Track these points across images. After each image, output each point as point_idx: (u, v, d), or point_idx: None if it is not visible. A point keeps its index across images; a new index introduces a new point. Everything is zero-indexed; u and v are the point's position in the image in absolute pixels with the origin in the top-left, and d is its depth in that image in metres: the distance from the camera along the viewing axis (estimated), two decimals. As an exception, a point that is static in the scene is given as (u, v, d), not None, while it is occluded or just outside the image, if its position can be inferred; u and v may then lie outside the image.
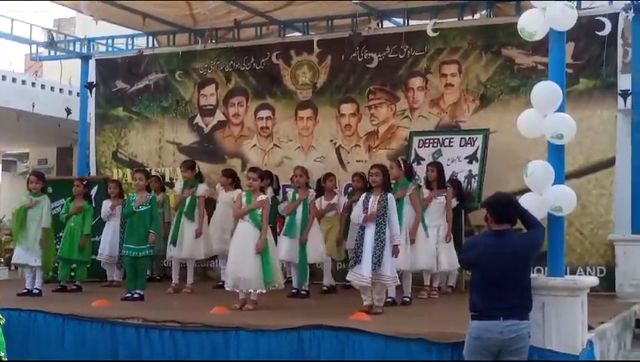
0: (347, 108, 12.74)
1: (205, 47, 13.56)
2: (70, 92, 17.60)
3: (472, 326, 6.10)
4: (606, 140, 10.98)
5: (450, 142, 11.61)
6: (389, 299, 9.19)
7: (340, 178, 11.57)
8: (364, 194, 8.95)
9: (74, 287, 10.83)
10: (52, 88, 17.92)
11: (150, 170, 12.82)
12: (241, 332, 7.75)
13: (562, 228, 6.84)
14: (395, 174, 9.36)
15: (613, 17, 10.86)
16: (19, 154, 24.98)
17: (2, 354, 5.14)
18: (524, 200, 6.54)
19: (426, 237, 9.83)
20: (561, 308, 6.48)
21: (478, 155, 11.32)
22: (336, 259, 10.83)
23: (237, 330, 7.77)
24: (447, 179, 10.72)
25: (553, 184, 6.62)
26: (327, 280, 10.81)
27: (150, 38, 14.31)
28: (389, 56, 12.41)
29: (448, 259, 10.21)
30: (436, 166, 10.63)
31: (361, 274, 8.52)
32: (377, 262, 8.47)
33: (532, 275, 6.38)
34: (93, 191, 11.87)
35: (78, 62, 14.83)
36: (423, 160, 11.49)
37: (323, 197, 10.66)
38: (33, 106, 16.52)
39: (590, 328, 7.01)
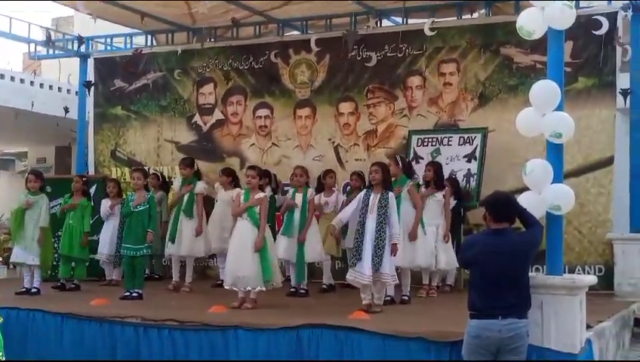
0: (346, 107, 12.74)
1: (203, 46, 13.55)
2: (69, 91, 17.59)
3: (470, 325, 6.10)
4: (604, 139, 10.99)
5: (448, 141, 11.62)
6: (388, 298, 9.19)
7: (339, 177, 11.56)
8: (363, 191, 8.94)
9: (72, 286, 10.82)
10: (50, 87, 17.91)
11: (148, 168, 12.82)
12: (239, 331, 7.74)
13: (561, 226, 6.84)
14: (392, 172, 9.34)
15: (612, 16, 10.86)
16: (17, 153, 25.01)
17: (0, 354, 5.14)
18: (522, 199, 6.54)
19: (424, 234, 9.82)
20: (559, 307, 6.48)
21: (477, 154, 11.32)
22: (335, 256, 10.82)
23: (236, 329, 7.76)
24: (446, 178, 10.70)
25: (552, 183, 6.63)
26: (327, 278, 10.81)
27: (149, 36, 14.30)
28: (388, 55, 12.41)
29: (446, 258, 10.21)
30: (433, 166, 10.62)
31: (361, 273, 8.51)
32: (378, 261, 8.47)
33: (531, 274, 6.38)
34: (92, 190, 11.84)
35: (76, 61, 14.83)
36: (422, 159, 11.49)
37: (322, 193, 10.64)
38: (32, 105, 16.49)
39: (589, 327, 7.01)
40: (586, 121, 10.77)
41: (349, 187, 11.18)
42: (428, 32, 11.85)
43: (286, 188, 11.57)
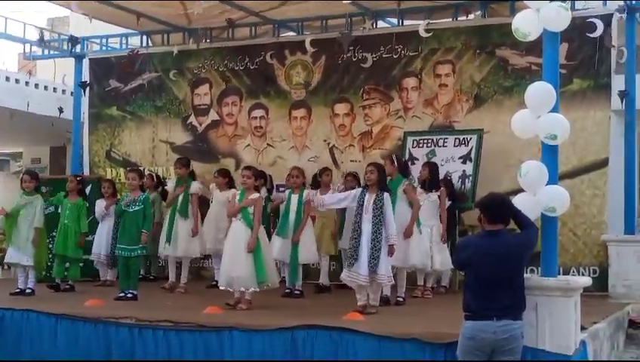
0: (341, 108, 12.74)
1: (199, 47, 13.54)
2: (64, 91, 17.55)
3: (465, 327, 6.10)
4: (599, 141, 11.01)
5: (444, 142, 11.63)
6: (385, 296, 9.18)
7: (334, 178, 11.56)
8: (359, 190, 8.95)
9: (67, 287, 10.80)
10: (46, 87, 17.86)
11: (143, 169, 12.80)
12: (234, 332, 7.73)
13: (556, 228, 6.84)
14: (388, 171, 9.34)
15: (607, 18, 10.88)
16: (12, 154, 24.93)
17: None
18: (517, 201, 6.55)
19: (420, 234, 9.82)
20: (554, 308, 6.49)
21: (472, 155, 11.33)
22: (334, 254, 10.82)
23: (230, 330, 7.76)
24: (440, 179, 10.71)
25: (547, 184, 6.63)
26: (324, 278, 10.82)
27: (144, 37, 14.29)
28: (383, 56, 12.42)
29: (441, 259, 10.21)
30: (428, 166, 10.63)
31: (358, 273, 8.51)
32: (375, 263, 8.47)
33: (525, 275, 6.38)
34: (87, 191, 11.82)
35: (71, 61, 14.80)
36: (417, 160, 11.50)
37: (319, 191, 10.63)
38: (28, 105, 16.46)
39: (583, 328, 7.02)
40: (581, 122, 10.78)
41: (342, 188, 11.15)
42: (423, 34, 11.86)
43: (281, 189, 11.57)
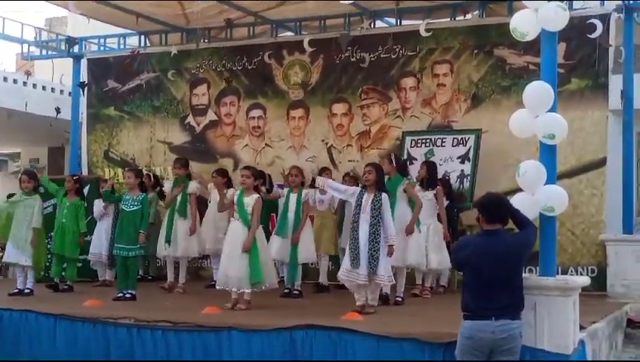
0: (339, 108, 12.75)
1: (199, 47, 13.52)
2: (62, 91, 17.56)
3: (464, 326, 6.11)
4: (597, 140, 11.01)
5: (442, 142, 11.64)
6: (384, 294, 9.18)
7: (332, 178, 11.55)
8: (358, 189, 8.94)
9: (65, 287, 10.79)
10: (44, 87, 17.88)
11: (141, 169, 12.78)
12: (233, 332, 7.74)
13: (554, 228, 6.85)
14: (386, 170, 9.33)
15: (605, 18, 10.89)
16: (10, 154, 24.94)
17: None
18: (516, 200, 6.55)
19: (419, 232, 9.82)
20: (552, 308, 6.49)
21: (471, 155, 11.35)
22: (333, 254, 10.82)
23: (229, 330, 7.76)
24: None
25: (545, 184, 6.64)
26: (323, 278, 10.82)
27: (142, 37, 14.28)
28: (382, 56, 12.42)
29: (438, 258, 10.20)
30: (426, 165, 10.63)
31: (357, 273, 8.51)
32: (375, 263, 8.47)
33: (524, 275, 6.39)
34: (85, 191, 11.82)
35: (69, 61, 14.80)
36: (416, 160, 11.51)
37: (318, 190, 10.62)
38: (26, 106, 16.45)
39: (582, 328, 7.03)
40: (579, 122, 10.79)
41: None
42: (424, 33, 11.85)
43: (278, 188, 11.56)
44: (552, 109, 6.68)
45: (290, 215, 10.14)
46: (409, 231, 9.52)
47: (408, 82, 12.29)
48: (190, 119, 13.79)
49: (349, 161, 12.46)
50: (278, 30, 13.50)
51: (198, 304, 9.04)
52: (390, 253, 8.64)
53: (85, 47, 14.78)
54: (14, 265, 10.64)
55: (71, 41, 14.41)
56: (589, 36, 10.77)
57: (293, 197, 10.19)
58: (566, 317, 6.54)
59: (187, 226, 10.82)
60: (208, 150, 13.55)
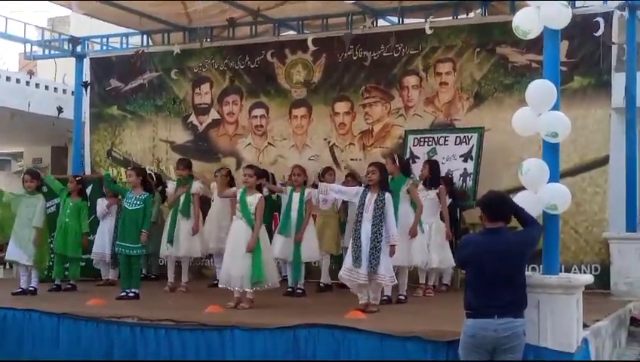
0: (341, 107, 12.74)
1: (203, 46, 13.51)
2: (65, 91, 17.56)
3: (466, 324, 6.10)
4: (600, 139, 11.00)
5: (445, 140, 11.63)
6: (385, 297, 9.19)
7: (335, 179, 11.56)
8: (361, 188, 8.94)
9: (69, 286, 10.80)
10: (46, 87, 17.86)
11: (143, 168, 12.78)
12: (236, 331, 7.74)
13: (557, 226, 6.84)
14: (389, 170, 9.33)
15: (607, 16, 10.87)
16: (13, 154, 24.94)
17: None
18: (519, 199, 6.55)
19: (422, 233, 9.82)
20: (556, 306, 6.49)
21: (473, 154, 11.33)
22: (335, 254, 10.81)
23: (232, 329, 7.76)
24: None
25: (548, 182, 6.63)
26: (325, 277, 10.81)
27: (145, 36, 14.29)
28: (384, 54, 12.41)
29: (440, 257, 10.19)
30: (429, 164, 10.60)
31: (358, 273, 8.51)
32: (375, 263, 8.47)
33: (527, 273, 6.37)
34: (89, 190, 11.83)
35: (71, 60, 14.80)
36: (418, 158, 11.50)
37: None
38: (29, 105, 16.45)
39: (585, 326, 7.02)
40: (582, 120, 10.78)
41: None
42: (429, 32, 11.84)
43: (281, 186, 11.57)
44: (555, 107, 6.67)
45: (293, 214, 10.14)
46: (412, 234, 9.52)
47: (411, 81, 12.29)
48: (193, 118, 13.79)
49: (351, 159, 12.47)
50: (281, 29, 13.49)
51: (201, 303, 9.04)
52: (392, 253, 8.63)
53: (88, 47, 14.79)
54: (16, 263, 10.66)
55: (74, 41, 14.41)
56: (593, 34, 10.74)
57: (296, 196, 10.19)
58: (569, 315, 6.54)
59: (190, 226, 10.83)
60: (211, 149, 13.55)
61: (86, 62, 14.60)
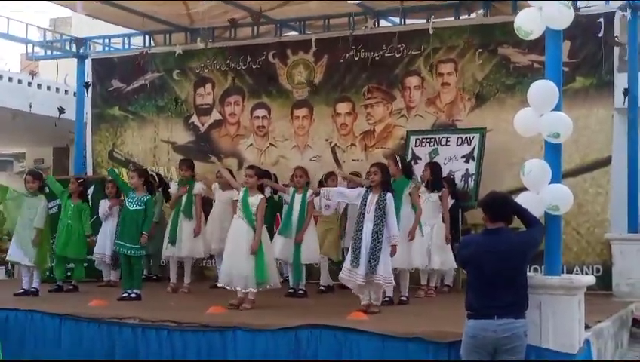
0: (343, 107, 12.74)
1: (207, 46, 13.51)
2: (66, 91, 17.57)
3: (467, 325, 6.10)
4: (602, 139, 11.00)
5: (447, 141, 11.62)
6: (387, 299, 9.18)
7: (337, 182, 11.55)
8: (363, 189, 8.93)
9: (70, 287, 10.80)
10: (48, 88, 17.88)
11: (145, 168, 12.78)
12: (238, 332, 7.74)
13: (559, 227, 6.83)
14: (391, 171, 9.30)
15: (610, 16, 10.87)
16: (15, 154, 24.98)
17: (-1, 355, 5.15)
18: (521, 199, 6.54)
19: (422, 236, 9.81)
20: (557, 307, 6.48)
21: (475, 154, 11.33)
22: (334, 259, 10.79)
23: (234, 330, 7.76)
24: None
25: (550, 183, 6.63)
26: (325, 279, 10.80)
27: (146, 37, 14.29)
28: (386, 55, 12.41)
29: (441, 258, 10.19)
30: (430, 166, 10.59)
31: (356, 273, 8.51)
32: (375, 263, 8.46)
33: (529, 274, 6.37)
34: (90, 191, 11.83)
35: (73, 61, 14.81)
36: (420, 159, 11.50)
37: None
38: (31, 106, 16.47)
39: (587, 327, 7.02)
40: (584, 120, 10.77)
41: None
42: (432, 31, 11.83)
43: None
44: (557, 108, 6.67)
45: (295, 215, 10.13)
46: (411, 237, 9.51)
47: (412, 81, 12.28)
48: (194, 119, 13.80)
49: (353, 160, 12.46)
50: (282, 30, 13.49)
51: (202, 304, 9.04)
52: (393, 253, 8.62)
53: (90, 48, 14.79)
54: (17, 263, 10.66)
55: (78, 42, 14.43)
56: (596, 34, 10.74)
57: (298, 197, 10.18)
58: (571, 316, 6.53)
59: (192, 227, 10.82)
60: (213, 150, 13.54)
61: (88, 62, 14.62)
